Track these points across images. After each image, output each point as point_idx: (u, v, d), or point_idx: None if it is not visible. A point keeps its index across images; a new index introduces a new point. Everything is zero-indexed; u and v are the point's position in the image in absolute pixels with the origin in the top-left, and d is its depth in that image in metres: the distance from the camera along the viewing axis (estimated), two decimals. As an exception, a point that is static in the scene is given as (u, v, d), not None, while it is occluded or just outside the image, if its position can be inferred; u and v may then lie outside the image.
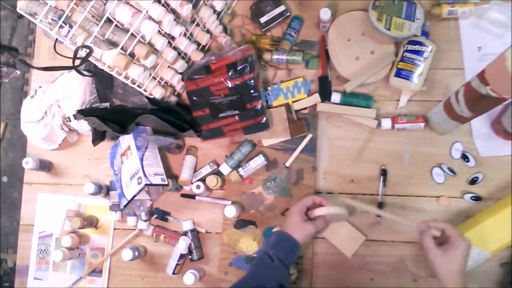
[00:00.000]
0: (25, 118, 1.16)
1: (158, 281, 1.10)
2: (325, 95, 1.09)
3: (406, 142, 1.07)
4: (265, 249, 0.90)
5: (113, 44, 0.91)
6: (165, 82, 1.08)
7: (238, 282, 0.87)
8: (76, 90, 1.11)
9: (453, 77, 1.08)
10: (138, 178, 1.01)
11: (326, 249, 1.05)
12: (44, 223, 1.16)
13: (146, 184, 1.00)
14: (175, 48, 1.03)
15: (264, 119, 1.05)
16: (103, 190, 1.12)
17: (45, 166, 1.16)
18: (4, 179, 2.11)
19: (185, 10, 0.95)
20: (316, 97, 1.09)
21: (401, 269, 1.02)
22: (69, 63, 0.89)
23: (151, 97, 1.05)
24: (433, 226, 0.85)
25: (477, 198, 1.02)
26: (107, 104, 1.09)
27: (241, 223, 1.08)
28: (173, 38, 1.01)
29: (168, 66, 1.06)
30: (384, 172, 1.05)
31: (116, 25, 0.92)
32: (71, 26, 0.88)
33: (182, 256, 1.05)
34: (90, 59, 0.90)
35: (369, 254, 1.04)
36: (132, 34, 0.89)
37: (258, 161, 1.07)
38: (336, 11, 1.13)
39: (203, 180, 1.09)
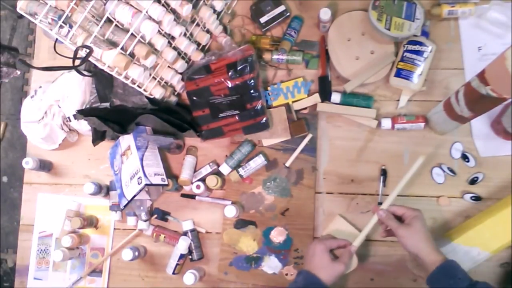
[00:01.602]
0: (25, 118, 1.16)
1: (158, 281, 1.10)
2: (325, 95, 1.10)
3: (406, 142, 1.07)
4: None
5: (113, 44, 0.91)
6: (165, 82, 1.08)
7: None
8: (76, 90, 1.11)
9: (453, 77, 1.08)
10: (138, 178, 1.01)
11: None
12: (44, 223, 1.16)
13: (146, 184, 1.00)
14: (175, 48, 1.03)
15: (264, 119, 1.05)
16: (103, 190, 1.12)
17: (45, 166, 1.16)
18: (4, 179, 2.11)
19: (185, 10, 0.95)
20: (316, 97, 1.10)
21: (401, 269, 1.02)
22: (69, 63, 0.89)
23: (151, 97, 1.05)
24: (387, 206, 0.91)
25: (477, 198, 1.02)
26: (107, 104, 1.09)
27: (241, 223, 1.08)
28: (173, 38, 1.01)
29: (168, 66, 1.06)
30: (384, 172, 1.05)
31: (116, 25, 0.92)
32: (71, 26, 0.88)
33: (182, 256, 1.05)
34: (90, 59, 0.90)
35: (369, 254, 1.04)
36: (132, 34, 0.89)
37: (258, 161, 1.07)
38: (336, 11, 1.13)
39: (203, 180, 1.09)
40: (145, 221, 1.09)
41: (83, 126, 1.12)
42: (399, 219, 0.90)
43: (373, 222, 0.92)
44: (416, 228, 0.86)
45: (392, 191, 0.92)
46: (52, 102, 1.14)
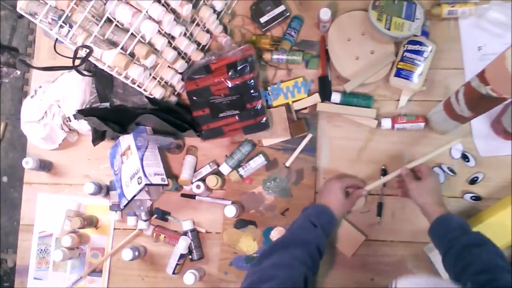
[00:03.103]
0: (25, 118, 1.16)
1: (158, 281, 1.10)
2: (325, 95, 1.10)
3: (406, 142, 1.07)
4: (305, 217, 0.92)
5: (113, 44, 0.91)
6: (165, 82, 1.08)
7: (277, 241, 0.90)
8: (76, 90, 1.11)
9: (453, 77, 1.08)
10: (138, 178, 1.01)
11: (326, 249, 1.05)
12: (44, 223, 1.16)
13: (146, 184, 1.00)
14: (175, 48, 1.03)
15: (264, 119, 1.05)
16: (103, 190, 1.12)
17: (45, 166, 1.16)
18: (4, 179, 2.11)
19: (185, 10, 0.95)
20: (316, 97, 1.09)
21: (401, 269, 1.02)
22: (69, 63, 0.89)
23: (151, 97, 1.05)
24: (411, 166, 0.98)
25: (477, 198, 1.02)
26: (107, 104, 1.09)
27: (241, 223, 1.08)
28: (173, 38, 1.01)
29: (168, 66, 1.06)
30: (384, 172, 1.05)
31: (116, 25, 0.92)
32: (71, 26, 0.88)
33: (182, 256, 1.05)
34: (90, 59, 0.90)
35: (369, 254, 1.04)
36: (132, 34, 0.89)
37: (258, 161, 1.07)
38: (336, 11, 1.13)
39: (203, 180, 1.09)
40: (145, 221, 1.09)
41: (83, 126, 1.12)
42: (419, 179, 0.97)
43: (393, 175, 0.99)
44: (425, 183, 0.94)
45: (420, 158, 0.98)
46: (52, 102, 1.14)
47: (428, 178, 0.95)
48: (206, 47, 1.15)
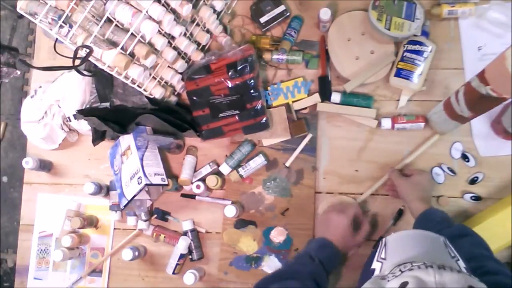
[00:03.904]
0: (25, 118, 1.16)
1: (158, 281, 1.10)
2: (325, 95, 1.10)
3: (406, 142, 1.07)
4: (306, 251, 0.90)
5: (113, 44, 0.91)
6: (165, 82, 1.08)
7: (273, 273, 0.87)
8: (76, 90, 1.11)
9: (453, 77, 1.08)
10: (138, 178, 1.01)
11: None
12: (44, 223, 1.16)
13: (146, 184, 1.00)
14: (175, 48, 1.03)
15: (264, 119, 1.05)
16: (103, 190, 1.12)
17: (45, 166, 1.16)
18: (4, 179, 2.11)
19: (185, 10, 0.95)
20: (316, 97, 1.09)
21: (401, 269, 1.02)
22: (69, 63, 0.89)
23: (151, 97, 1.05)
24: (399, 167, 1.02)
25: (477, 198, 1.02)
26: (107, 104, 1.09)
27: (241, 223, 1.08)
28: (173, 38, 1.01)
29: (168, 66, 1.06)
30: (400, 212, 1.04)
31: (116, 25, 0.92)
32: (71, 26, 0.88)
33: (182, 256, 1.05)
34: (90, 59, 0.90)
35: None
36: (132, 34, 0.89)
37: (258, 161, 1.07)
38: (336, 11, 1.13)
39: (203, 180, 1.09)
40: (145, 221, 1.09)
41: (83, 126, 1.12)
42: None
43: (384, 179, 1.03)
44: (413, 180, 0.96)
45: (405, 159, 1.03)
46: (52, 102, 1.14)
47: (415, 175, 0.97)
48: (206, 47, 1.15)
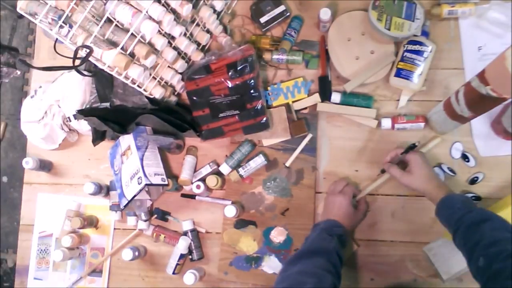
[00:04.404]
0: (25, 118, 1.16)
1: (158, 281, 1.10)
2: (325, 95, 1.10)
3: (406, 142, 1.06)
4: (319, 230, 0.93)
5: (113, 44, 0.91)
6: (165, 82, 1.08)
7: (297, 252, 0.89)
8: (76, 90, 1.11)
9: (453, 77, 1.08)
10: (138, 178, 1.01)
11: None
12: (44, 223, 1.16)
13: (146, 184, 1.00)
14: (175, 48, 1.03)
15: (264, 119, 1.05)
16: (103, 190, 1.12)
17: (45, 166, 1.16)
18: (4, 179, 2.11)
19: (185, 10, 0.95)
20: (316, 97, 1.10)
21: (401, 269, 1.02)
22: (69, 63, 0.89)
23: (151, 97, 1.05)
24: (392, 159, 1.01)
25: (477, 198, 1.02)
26: (107, 104, 1.09)
27: (241, 223, 1.08)
28: (173, 38, 1.01)
29: (168, 66, 1.06)
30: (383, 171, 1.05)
31: (116, 25, 0.92)
32: (71, 26, 0.88)
33: (182, 256, 1.05)
34: (90, 59, 0.90)
35: (369, 254, 1.04)
36: (132, 34, 0.89)
37: (258, 161, 1.07)
38: (336, 11, 1.13)
39: (203, 180, 1.09)
40: (145, 221, 1.09)
41: (83, 126, 1.12)
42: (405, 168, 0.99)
43: (384, 178, 1.03)
44: (416, 173, 0.95)
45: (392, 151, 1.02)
46: (52, 102, 1.14)
47: (414, 167, 0.95)
48: (206, 47, 1.15)
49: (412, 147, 0.99)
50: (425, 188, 0.93)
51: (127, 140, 1.07)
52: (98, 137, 1.11)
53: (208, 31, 1.12)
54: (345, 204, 0.98)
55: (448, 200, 0.88)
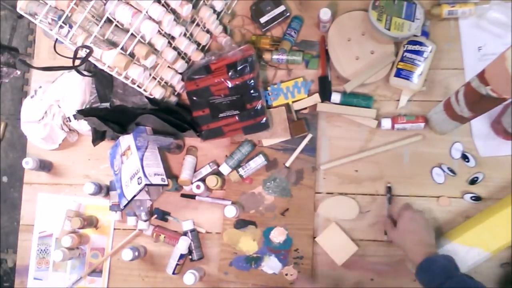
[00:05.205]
0: (25, 118, 1.16)
1: (158, 281, 1.10)
2: (325, 95, 1.10)
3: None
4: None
5: (113, 44, 0.91)
6: (165, 82, 1.08)
7: None
8: (76, 90, 1.11)
9: (453, 77, 1.08)
10: (138, 178, 1.01)
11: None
12: (44, 223, 1.16)
13: (146, 184, 1.00)
14: (175, 48, 1.03)
15: (264, 119, 1.05)
16: (103, 190, 1.12)
17: (45, 166, 1.16)
18: (4, 179, 2.11)
19: (185, 10, 0.95)
20: (316, 97, 1.10)
21: (401, 269, 1.02)
22: (69, 63, 0.89)
23: (151, 97, 1.05)
24: (391, 216, 1.01)
25: (477, 198, 1.02)
26: (107, 104, 1.09)
27: (241, 223, 1.08)
28: (173, 38, 1.01)
29: (168, 66, 1.06)
30: (389, 190, 1.05)
31: (116, 25, 0.92)
32: (71, 26, 0.88)
33: (182, 256, 1.05)
34: (90, 59, 0.90)
35: (369, 254, 1.04)
36: (132, 34, 0.89)
37: (258, 161, 1.07)
38: (336, 11, 1.13)
39: (203, 180, 1.09)
40: (145, 221, 1.09)
41: (83, 126, 1.12)
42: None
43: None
44: (400, 229, 0.94)
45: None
46: (52, 102, 1.14)
47: (400, 222, 0.94)
48: (206, 47, 1.15)
49: (389, 198, 1.03)
50: (404, 246, 0.91)
51: (127, 140, 1.07)
52: (98, 137, 1.11)
53: (208, 31, 1.12)
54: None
55: (429, 263, 0.84)
